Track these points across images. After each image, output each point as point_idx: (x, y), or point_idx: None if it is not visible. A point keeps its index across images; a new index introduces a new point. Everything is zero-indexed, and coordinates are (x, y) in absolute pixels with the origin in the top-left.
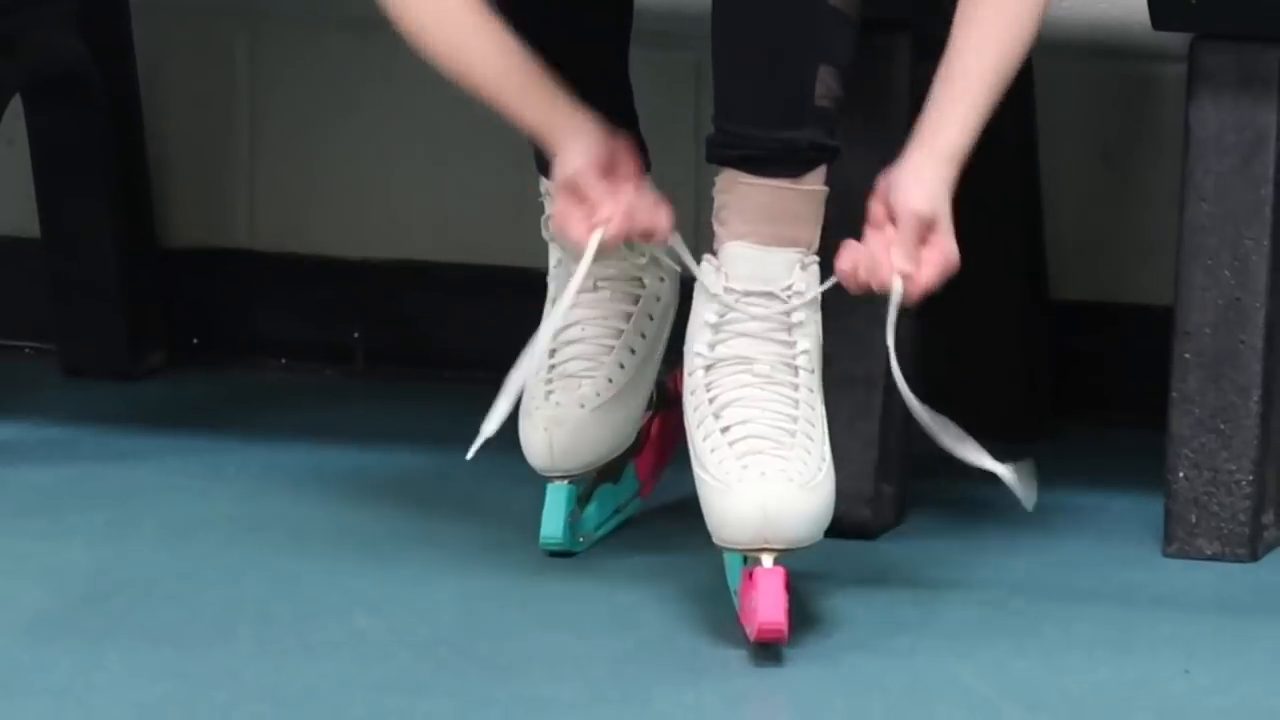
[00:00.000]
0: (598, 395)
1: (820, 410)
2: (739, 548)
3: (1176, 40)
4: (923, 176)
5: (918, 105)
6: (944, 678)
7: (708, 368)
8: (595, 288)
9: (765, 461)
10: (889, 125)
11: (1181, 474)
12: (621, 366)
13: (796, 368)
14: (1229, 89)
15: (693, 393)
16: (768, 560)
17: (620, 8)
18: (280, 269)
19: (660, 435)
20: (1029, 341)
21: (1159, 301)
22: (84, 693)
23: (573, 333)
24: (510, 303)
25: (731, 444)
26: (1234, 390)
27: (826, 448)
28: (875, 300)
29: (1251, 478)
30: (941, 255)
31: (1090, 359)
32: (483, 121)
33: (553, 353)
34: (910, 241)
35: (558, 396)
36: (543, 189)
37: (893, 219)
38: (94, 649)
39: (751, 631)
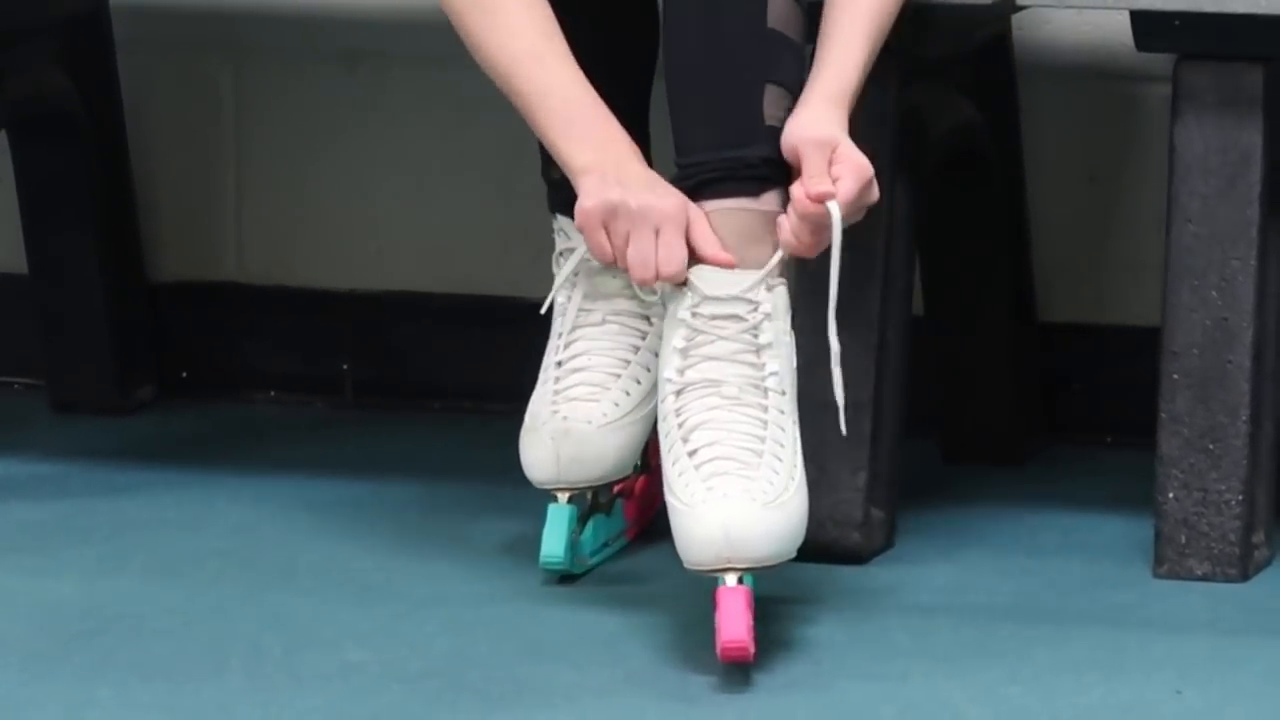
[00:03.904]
0: (604, 415)
1: (792, 431)
2: (703, 569)
3: (1160, 61)
4: (814, 117)
5: (904, 127)
6: (936, 702)
7: (677, 393)
8: (603, 322)
9: (729, 482)
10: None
11: (1171, 494)
12: (627, 394)
13: (766, 389)
14: (1213, 109)
15: (664, 419)
16: (731, 580)
17: (647, 50)
18: (268, 301)
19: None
20: (1017, 363)
21: (1146, 322)
22: None
23: (579, 362)
24: (498, 333)
25: (698, 467)
26: (1222, 410)
27: (798, 467)
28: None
29: (1241, 497)
30: (852, 165)
31: (1079, 380)
32: (469, 152)
33: (559, 380)
34: (819, 168)
35: (565, 412)
36: (556, 227)
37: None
38: (86, 685)
39: (717, 651)
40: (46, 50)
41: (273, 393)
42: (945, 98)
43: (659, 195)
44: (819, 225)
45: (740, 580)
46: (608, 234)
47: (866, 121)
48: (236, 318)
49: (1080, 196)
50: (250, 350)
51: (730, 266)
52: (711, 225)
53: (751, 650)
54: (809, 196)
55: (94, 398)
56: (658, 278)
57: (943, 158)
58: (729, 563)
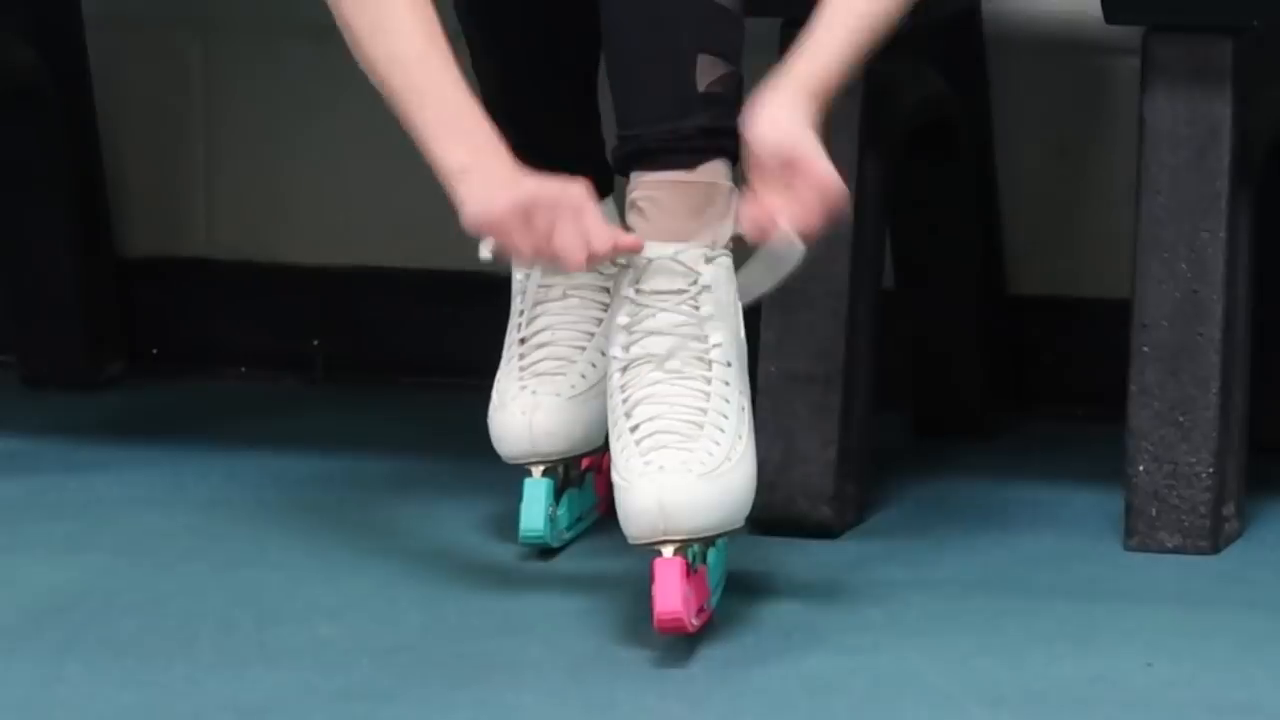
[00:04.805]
0: (573, 388)
1: (739, 401)
2: (641, 542)
3: (1129, 34)
4: (777, 112)
5: (873, 99)
6: (907, 675)
7: (623, 369)
8: (564, 296)
9: (666, 455)
10: (848, 122)
11: (1141, 467)
12: (593, 365)
13: (710, 361)
14: (1182, 81)
15: (610, 396)
16: (669, 551)
17: (592, 33)
18: (238, 277)
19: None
20: (987, 336)
21: (1116, 295)
22: (46, 705)
23: (543, 337)
24: (468, 308)
25: (638, 442)
26: (1193, 383)
27: (744, 438)
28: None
29: (1212, 470)
30: (818, 189)
31: (1049, 353)
32: None
33: (523, 356)
34: (770, 177)
35: (533, 387)
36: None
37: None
38: (56, 661)
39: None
40: (14, 25)
41: (243, 369)
42: (915, 70)
43: (561, 184)
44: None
45: (682, 553)
46: (525, 232)
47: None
48: (206, 293)
49: (1049, 169)
50: (220, 326)
51: (637, 248)
52: (647, 197)
53: (688, 621)
54: (765, 221)
55: (64, 373)
56: (591, 259)
57: (912, 130)
58: (665, 535)
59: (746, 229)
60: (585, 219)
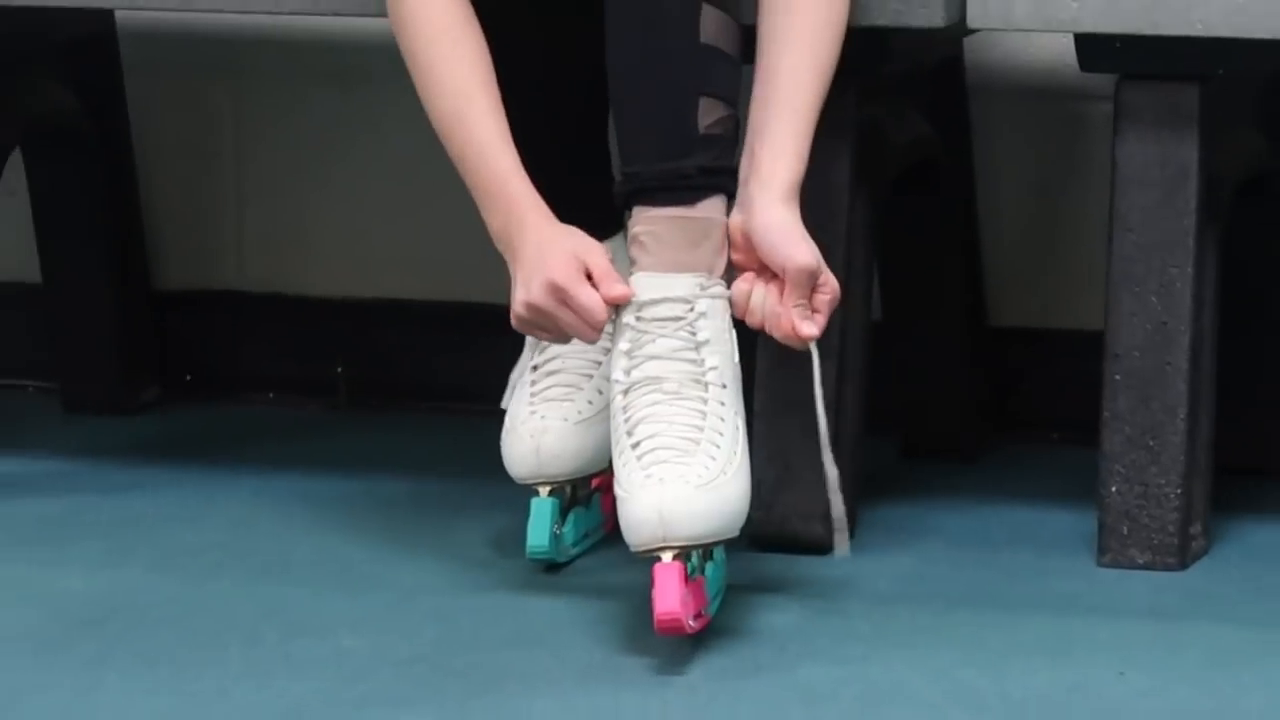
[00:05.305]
0: (579, 413)
1: (733, 421)
2: (642, 549)
3: (1103, 81)
4: (790, 228)
5: (864, 141)
6: (894, 685)
7: (625, 392)
8: None
9: (666, 469)
10: (840, 163)
11: (1114, 488)
12: (600, 392)
13: (706, 383)
14: (1152, 126)
15: (614, 417)
16: (667, 557)
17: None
18: (266, 309)
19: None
20: (970, 365)
21: (1091, 327)
22: (85, 712)
23: (554, 365)
24: (481, 337)
25: (639, 457)
26: (1162, 409)
27: (738, 454)
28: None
29: (1180, 491)
30: (831, 296)
31: (1027, 381)
32: (452, 169)
33: (534, 383)
34: (804, 295)
35: (542, 412)
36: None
37: (763, 267)
38: (93, 670)
39: (654, 624)
40: (58, 73)
41: (270, 394)
42: (902, 114)
43: (549, 262)
44: (782, 337)
45: (680, 559)
46: (544, 333)
47: (829, 136)
48: (236, 324)
49: (1028, 208)
50: (249, 354)
51: (627, 298)
52: (648, 231)
53: (685, 623)
54: (798, 336)
55: (102, 399)
56: (598, 330)
57: (900, 171)
58: (664, 541)
59: (737, 301)
60: (576, 296)
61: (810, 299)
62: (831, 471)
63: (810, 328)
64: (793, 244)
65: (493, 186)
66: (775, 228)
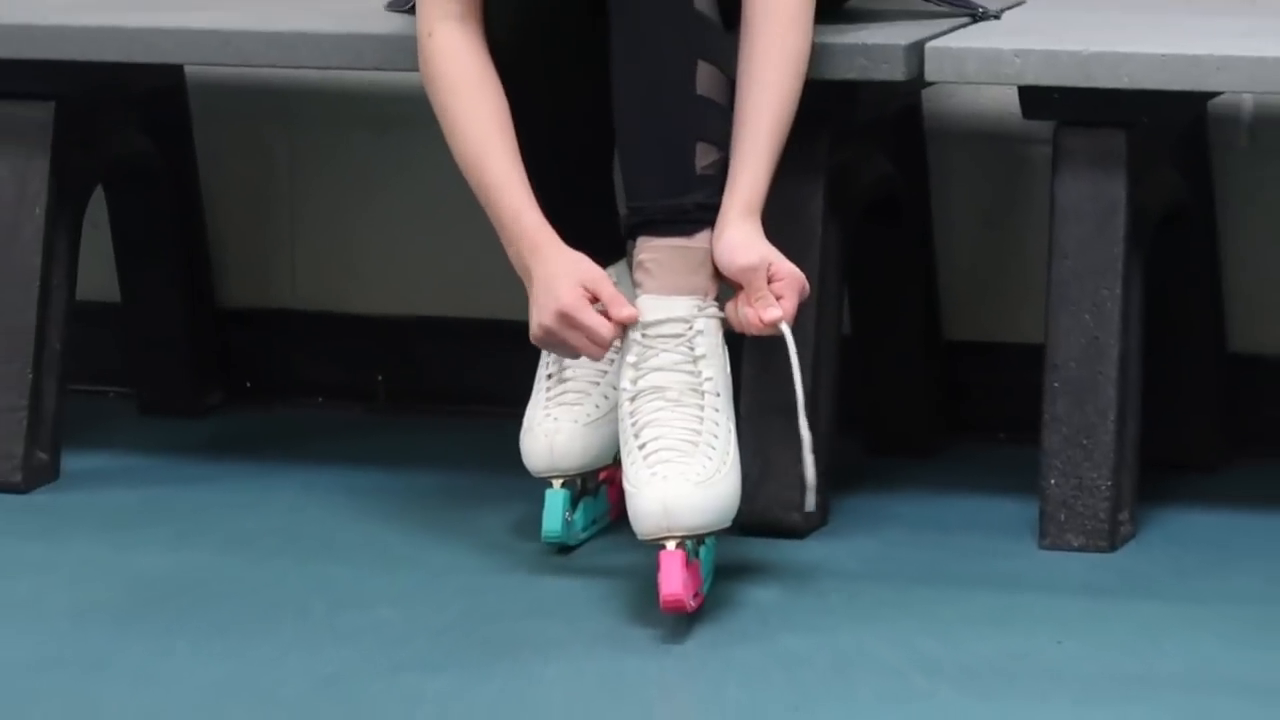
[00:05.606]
0: (588, 415)
1: (727, 425)
2: (649, 538)
3: (1043, 127)
4: (738, 239)
5: (834, 179)
6: (862, 651)
7: (631, 399)
8: None
9: (669, 467)
10: (813, 198)
11: (1053, 481)
12: (606, 398)
13: (703, 392)
14: (1086, 166)
15: (621, 422)
16: (671, 545)
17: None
18: (316, 324)
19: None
20: (927, 373)
21: (1033, 340)
22: (159, 674)
23: (566, 373)
24: (504, 349)
25: (645, 457)
26: (1095, 412)
27: (731, 455)
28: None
29: (1110, 483)
30: (791, 281)
31: (977, 388)
32: (477, 202)
33: (549, 389)
34: (760, 289)
35: (555, 414)
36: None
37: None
38: (166, 638)
39: (659, 604)
40: (135, 120)
41: (319, 399)
42: (868, 156)
43: (558, 291)
44: (756, 332)
45: (682, 547)
46: (559, 348)
47: (803, 175)
48: (290, 337)
49: (978, 237)
50: (301, 364)
51: (633, 320)
52: (652, 258)
53: (687, 602)
54: (763, 322)
55: (173, 403)
56: (605, 349)
57: (866, 205)
58: (668, 531)
59: (727, 315)
60: (583, 319)
61: (771, 290)
62: (805, 435)
63: (773, 312)
64: (736, 251)
65: (509, 220)
66: (725, 245)
